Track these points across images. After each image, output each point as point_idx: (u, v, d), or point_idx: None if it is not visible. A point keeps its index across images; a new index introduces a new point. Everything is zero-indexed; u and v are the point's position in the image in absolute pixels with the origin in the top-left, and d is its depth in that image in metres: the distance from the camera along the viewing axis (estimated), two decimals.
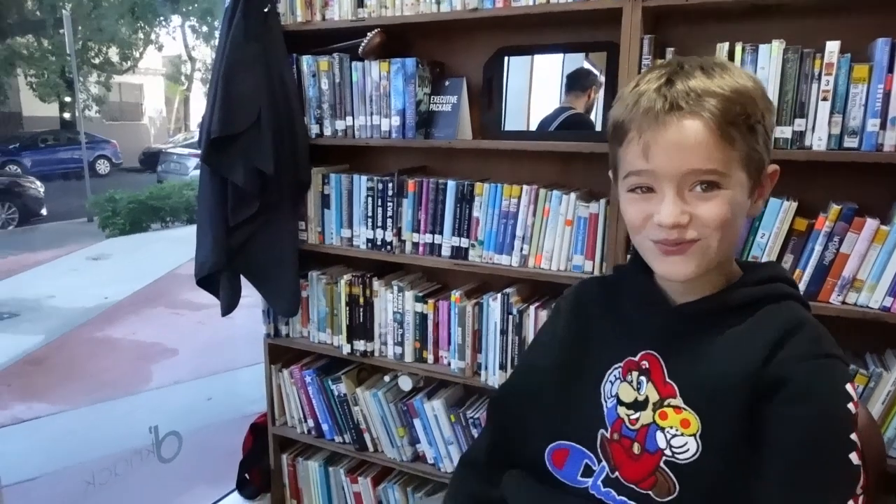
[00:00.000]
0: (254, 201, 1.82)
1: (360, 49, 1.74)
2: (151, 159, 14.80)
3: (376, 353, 1.91)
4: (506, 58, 1.71)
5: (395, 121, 1.75)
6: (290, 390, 2.10)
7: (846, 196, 1.40)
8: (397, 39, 1.79)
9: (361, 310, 1.90)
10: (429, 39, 1.85)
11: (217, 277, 1.86)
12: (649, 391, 0.80)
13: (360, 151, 1.99)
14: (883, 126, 1.27)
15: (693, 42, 1.44)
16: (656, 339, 0.82)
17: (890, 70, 1.25)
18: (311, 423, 2.08)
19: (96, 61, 15.58)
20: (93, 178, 11.50)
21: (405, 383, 1.92)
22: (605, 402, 0.84)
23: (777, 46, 1.32)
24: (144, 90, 21.93)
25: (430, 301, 1.80)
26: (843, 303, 1.34)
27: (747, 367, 0.74)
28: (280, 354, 2.11)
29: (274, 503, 2.23)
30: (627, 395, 0.82)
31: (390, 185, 1.79)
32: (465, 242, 1.72)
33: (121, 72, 16.64)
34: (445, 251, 1.75)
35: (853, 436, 0.70)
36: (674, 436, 0.77)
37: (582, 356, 0.88)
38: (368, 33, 1.73)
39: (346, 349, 1.93)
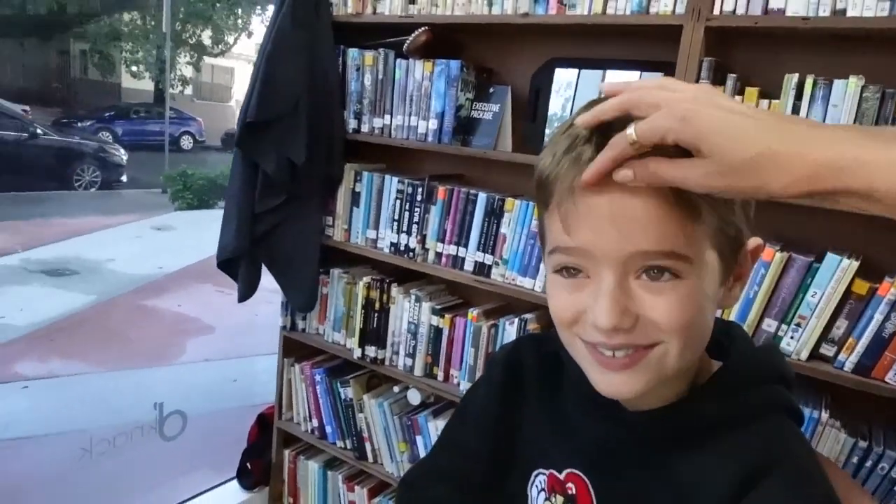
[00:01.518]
0: (282, 190, 1.78)
1: (405, 46, 1.68)
2: (233, 140, 15.24)
3: (387, 362, 1.83)
4: (556, 69, 1.60)
5: (433, 124, 1.67)
6: (300, 386, 2.05)
7: None
8: (447, 40, 1.71)
9: (377, 315, 1.82)
10: (478, 43, 1.76)
11: (238, 263, 1.84)
12: None
13: (397, 151, 1.92)
14: None
15: (759, 69, 1.30)
16: (590, 459, 0.64)
17: None
18: (315, 422, 2.02)
19: (192, 42, 16.29)
20: (176, 152, 11.96)
21: (414, 397, 1.83)
22: None
23: (854, 83, 1.16)
24: (235, 74, 22.79)
25: (448, 316, 1.70)
26: None
27: None
28: (294, 349, 2.07)
29: (271, 497, 2.19)
30: None
31: (420, 189, 1.71)
32: (488, 259, 1.62)
33: (213, 55, 17.33)
34: (468, 265, 1.65)
35: None
36: None
37: (511, 446, 0.72)
38: (416, 31, 1.66)
39: (357, 353, 1.86)
